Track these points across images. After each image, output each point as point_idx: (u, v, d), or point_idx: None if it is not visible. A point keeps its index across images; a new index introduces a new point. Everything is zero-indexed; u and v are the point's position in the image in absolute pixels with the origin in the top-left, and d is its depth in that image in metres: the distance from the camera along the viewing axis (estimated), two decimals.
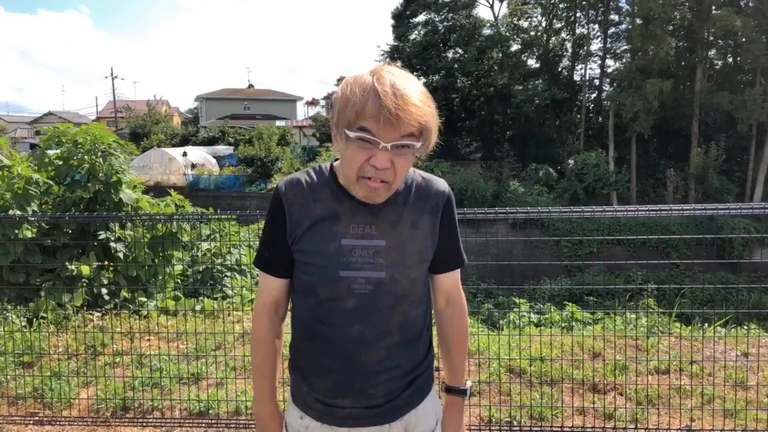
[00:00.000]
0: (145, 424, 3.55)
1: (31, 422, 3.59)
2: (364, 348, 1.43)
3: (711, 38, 28.00)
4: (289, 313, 1.62)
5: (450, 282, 1.60)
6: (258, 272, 1.56)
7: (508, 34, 32.24)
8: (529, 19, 33.24)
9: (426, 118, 1.33)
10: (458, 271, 1.62)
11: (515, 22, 33.02)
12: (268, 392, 1.58)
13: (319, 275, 1.42)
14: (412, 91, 1.32)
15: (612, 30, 30.62)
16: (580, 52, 31.45)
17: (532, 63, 33.12)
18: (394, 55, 32.66)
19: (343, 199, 1.44)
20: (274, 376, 1.59)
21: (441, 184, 1.55)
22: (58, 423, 3.59)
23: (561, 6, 31.41)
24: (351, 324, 1.42)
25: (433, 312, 1.65)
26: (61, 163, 6.11)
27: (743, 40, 26.42)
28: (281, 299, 1.56)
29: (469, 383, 1.68)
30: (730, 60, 29.67)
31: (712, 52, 29.39)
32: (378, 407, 1.47)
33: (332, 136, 1.42)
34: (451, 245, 1.55)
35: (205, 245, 6.95)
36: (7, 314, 4.92)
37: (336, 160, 1.52)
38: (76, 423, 3.58)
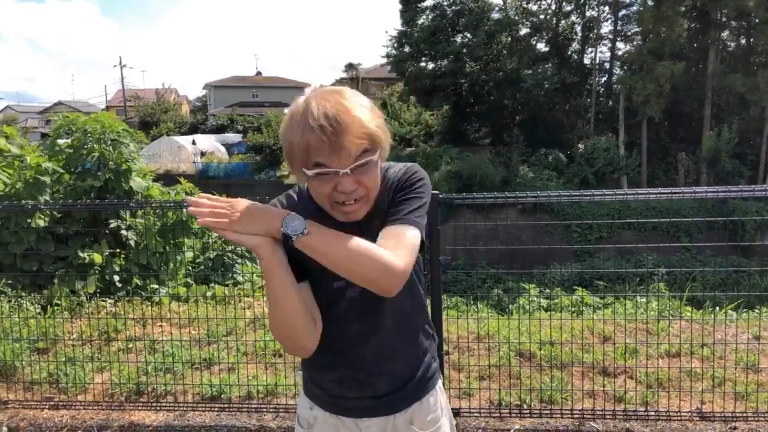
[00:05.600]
0: (158, 408, 3.60)
1: (47, 407, 3.65)
2: (363, 342, 1.50)
3: (724, 19, 27.55)
4: None
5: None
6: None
7: (517, 17, 31.87)
8: (539, 2, 32.79)
9: (369, 130, 1.32)
10: (395, 226, 1.41)
11: (524, 5, 32.58)
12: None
13: (316, 288, 1.47)
14: (346, 111, 1.30)
15: (623, 12, 30.20)
16: (591, 35, 31.04)
17: (542, 47, 32.74)
18: (402, 40, 32.42)
19: (325, 219, 1.41)
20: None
21: (397, 168, 1.51)
22: (73, 407, 3.64)
23: None
24: (348, 324, 1.49)
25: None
26: (71, 151, 6.14)
27: (756, 21, 25.97)
28: (311, 304, 1.47)
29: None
30: (743, 41, 29.21)
31: (725, 34, 28.92)
32: (383, 397, 1.51)
33: (295, 175, 1.42)
34: (396, 206, 1.44)
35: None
36: (22, 301, 4.98)
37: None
38: (91, 407, 3.63)
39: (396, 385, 1.52)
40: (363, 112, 1.33)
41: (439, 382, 1.63)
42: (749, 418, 3.27)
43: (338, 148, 1.29)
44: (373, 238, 1.38)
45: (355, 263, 1.32)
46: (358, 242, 1.33)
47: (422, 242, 1.43)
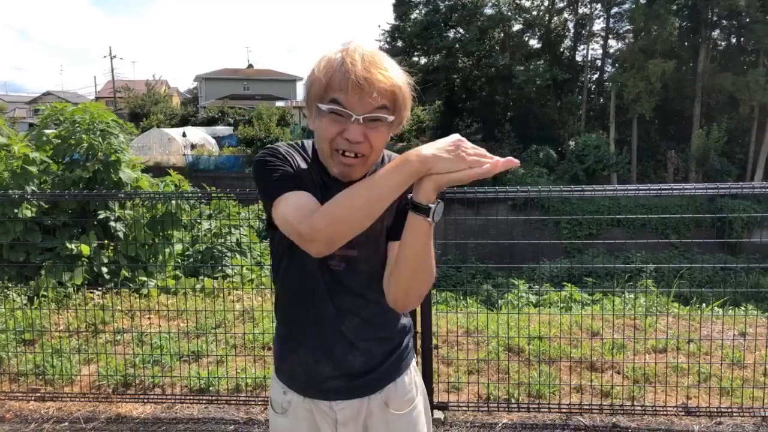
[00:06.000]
0: (146, 400, 3.58)
1: (33, 398, 3.62)
2: (341, 319, 1.47)
3: (715, 18, 27.75)
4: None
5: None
6: (287, 195, 1.35)
7: (509, 13, 31.93)
8: None
9: (396, 84, 1.32)
10: None
11: (517, 1, 32.68)
12: None
13: (300, 255, 1.38)
14: (380, 60, 1.32)
15: (615, 10, 30.35)
16: (583, 32, 31.19)
17: (534, 43, 32.91)
18: (395, 34, 32.40)
19: (323, 174, 1.43)
20: None
21: None
22: (60, 399, 3.61)
23: None
24: (328, 298, 1.46)
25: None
26: (59, 141, 6.08)
27: (747, 20, 26.17)
28: None
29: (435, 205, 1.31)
30: (734, 40, 29.44)
31: (715, 33, 29.15)
32: (358, 379, 1.50)
33: (307, 116, 1.43)
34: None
35: (205, 225, 6.95)
36: (8, 292, 4.94)
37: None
38: (77, 399, 3.60)
39: (370, 364, 1.50)
40: (395, 70, 1.34)
41: (413, 362, 1.63)
42: (734, 414, 3.31)
43: (360, 89, 1.28)
44: None
45: (423, 278, 1.39)
46: (432, 255, 1.38)
47: None
